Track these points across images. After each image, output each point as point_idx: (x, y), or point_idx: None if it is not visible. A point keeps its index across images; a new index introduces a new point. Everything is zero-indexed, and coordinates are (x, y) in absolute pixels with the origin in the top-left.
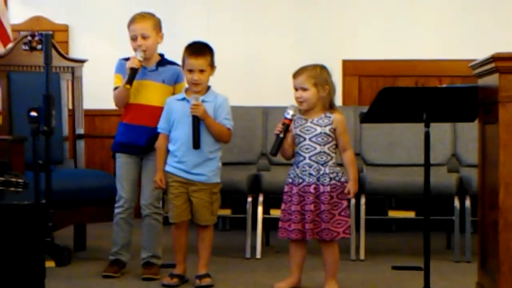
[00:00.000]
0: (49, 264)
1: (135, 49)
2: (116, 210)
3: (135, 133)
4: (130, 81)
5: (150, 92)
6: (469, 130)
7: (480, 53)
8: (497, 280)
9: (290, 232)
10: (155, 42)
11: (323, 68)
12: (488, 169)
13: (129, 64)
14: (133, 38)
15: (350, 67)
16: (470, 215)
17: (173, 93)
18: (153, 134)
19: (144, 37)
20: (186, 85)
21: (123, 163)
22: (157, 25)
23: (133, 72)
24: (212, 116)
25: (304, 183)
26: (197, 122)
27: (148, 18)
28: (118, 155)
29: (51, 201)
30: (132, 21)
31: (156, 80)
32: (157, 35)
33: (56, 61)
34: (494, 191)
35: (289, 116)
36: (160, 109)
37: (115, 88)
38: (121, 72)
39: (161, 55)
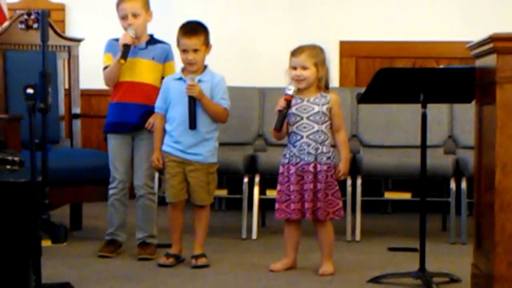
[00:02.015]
0: (46, 243)
1: (125, 28)
2: (110, 192)
3: (126, 111)
4: (124, 56)
5: (140, 70)
6: (466, 112)
7: (477, 35)
8: (492, 261)
9: (289, 213)
10: (145, 20)
11: (321, 48)
12: (484, 150)
13: (121, 40)
14: (123, 17)
15: (347, 48)
16: (466, 197)
17: (163, 71)
18: (144, 111)
19: (134, 16)
20: (182, 65)
21: (115, 144)
22: (146, 4)
23: (127, 48)
24: (208, 96)
25: (303, 162)
26: (193, 102)
27: None
28: (110, 136)
29: (47, 179)
30: (122, 0)
31: (146, 58)
32: (147, 14)
33: (53, 39)
34: (491, 172)
35: (290, 92)
36: (150, 86)
37: (105, 67)
38: (111, 51)
39: (151, 35)
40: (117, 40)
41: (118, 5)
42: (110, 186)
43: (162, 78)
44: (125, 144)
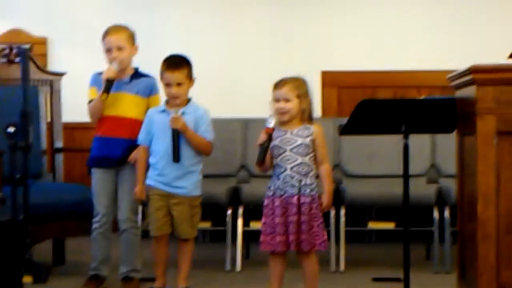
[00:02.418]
0: (27, 279)
1: (110, 62)
2: (94, 225)
3: (110, 146)
4: (106, 91)
5: (124, 104)
6: (448, 141)
7: (457, 64)
8: None
9: (274, 245)
10: (130, 54)
11: (304, 80)
12: (466, 180)
13: (105, 75)
14: (108, 50)
15: (329, 78)
16: (449, 226)
17: (148, 105)
18: (128, 146)
19: (119, 49)
20: (166, 97)
21: (99, 178)
22: (132, 37)
23: (110, 83)
24: (192, 129)
25: (287, 195)
26: (176, 135)
27: (122, 30)
28: (93, 170)
29: (28, 217)
30: (107, 33)
31: (130, 92)
32: (132, 47)
33: (35, 74)
34: (473, 202)
35: (271, 125)
36: (135, 120)
37: (90, 101)
38: (96, 85)
39: (136, 69)
40: (101, 73)
41: (103, 38)
42: (93, 220)
43: None
44: (108, 178)
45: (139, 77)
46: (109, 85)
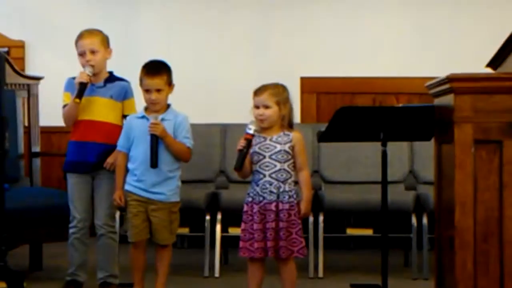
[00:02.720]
0: (2, 285)
1: (83, 65)
2: (71, 231)
3: (85, 150)
4: (79, 95)
5: (99, 108)
6: (426, 148)
7: (436, 71)
8: None
9: (252, 251)
10: (103, 57)
11: (284, 87)
12: (444, 188)
13: (77, 79)
14: (82, 54)
15: (308, 84)
16: (427, 233)
17: (122, 109)
18: (103, 150)
19: (92, 52)
20: (144, 103)
21: (74, 183)
22: (105, 41)
23: (83, 87)
24: (171, 135)
25: (265, 201)
26: (155, 141)
27: (96, 33)
28: (69, 175)
29: (5, 223)
30: (80, 37)
31: (104, 96)
32: (106, 51)
33: (12, 78)
34: (450, 210)
35: (251, 131)
36: (109, 125)
37: (64, 106)
38: (70, 90)
39: (110, 73)
40: (75, 78)
41: (76, 41)
42: (70, 225)
43: (124, 116)
44: (84, 183)
45: (114, 80)
46: (82, 89)
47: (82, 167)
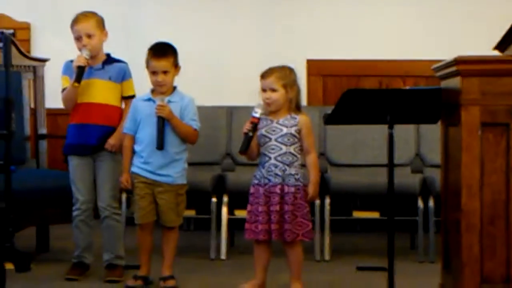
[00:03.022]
0: (9, 266)
1: (80, 49)
2: (74, 213)
3: (86, 133)
4: (78, 79)
5: (98, 90)
6: (433, 131)
7: (443, 54)
8: (459, 282)
9: (257, 233)
10: (100, 40)
11: (291, 69)
12: (450, 171)
13: (75, 63)
14: (78, 38)
15: (315, 67)
16: (433, 216)
17: (122, 90)
18: (104, 132)
19: (88, 36)
20: (151, 86)
21: (76, 165)
22: (101, 23)
23: (81, 70)
24: (178, 117)
25: (270, 184)
26: (162, 123)
27: (90, 16)
28: (70, 157)
29: (11, 205)
30: (75, 21)
31: (103, 78)
32: (102, 33)
33: (18, 60)
34: (457, 193)
35: (257, 115)
36: (109, 106)
37: (63, 90)
38: (68, 73)
39: (107, 54)
40: (73, 61)
41: (72, 26)
42: (73, 207)
43: (123, 97)
44: (86, 165)
45: (112, 62)
46: (80, 73)
47: (83, 149)
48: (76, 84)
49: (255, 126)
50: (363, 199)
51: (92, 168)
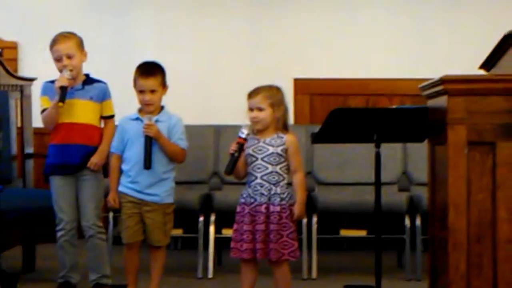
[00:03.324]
0: None
1: (60, 70)
2: (59, 233)
3: (68, 153)
4: (62, 99)
5: (79, 110)
6: (420, 149)
7: (429, 73)
8: None
9: (242, 252)
10: (80, 60)
11: (278, 88)
12: (437, 190)
13: (58, 83)
14: (58, 59)
15: (302, 86)
16: (420, 234)
17: (102, 110)
18: (86, 152)
19: (69, 57)
20: (138, 105)
21: (59, 185)
22: (80, 44)
23: (64, 90)
24: (166, 136)
25: (256, 203)
26: (149, 142)
27: (70, 37)
28: (52, 177)
29: None
30: (55, 42)
31: (83, 98)
32: (81, 54)
33: (5, 79)
34: (444, 211)
35: (243, 135)
36: (90, 126)
37: (43, 111)
38: (47, 94)
39: (87, 75)
40: (52, 82)
41: (51, 47)
42: (57, 227)
43: (102, 117)
44: (69, 184)
45: (92, 82)
46: (63, 93)
47: (66, 169)
48: (61, 104)
49: (241, 147)
50: (351, 217)
51: (75, 188)
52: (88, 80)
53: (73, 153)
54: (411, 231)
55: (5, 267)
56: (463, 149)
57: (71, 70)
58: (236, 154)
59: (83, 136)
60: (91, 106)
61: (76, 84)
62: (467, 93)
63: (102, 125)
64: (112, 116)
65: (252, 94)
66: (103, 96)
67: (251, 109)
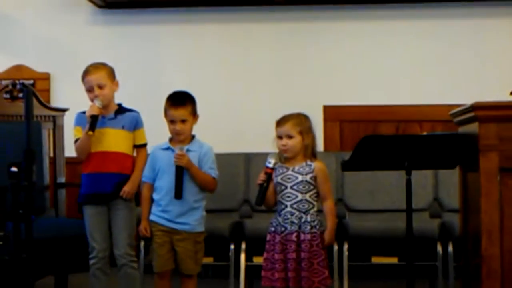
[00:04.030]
0: None
1: (92, 100)
2: (91, 261)
3: (101, 182)
4: (92, 128)
5: (111, 139)
6: (451, 175)
7: (460, 98)
8: None
9: (273, 281)
10: (111, 90)
11: (306, 116)
12: (470, 217)
13: (89, 112)
14: (89, 89)
15: (331, 113)
16: (453, 261)
17: (134, 139)
18: (119, 180)
19: (100, 87)
20: (169, 135)
21: (91, 214)
22: (111, 74)
23: (94, 119)
24: (197, 165)
25: (287, 231)
26: (180, 172)
27: (101, 68)
28: (85, 207)
29: (32, 255)
30: (86, 72)
31: (115, 127)
32: (112, 83)
33: (38, 110)
34: (477, 239)
35: (270, 165)
36: (122, 154)
37: (76, 141)
38: (80, 124)
39: (119, 104)
40: (85, 112)
41: (83, 78)
42: (90, 256)
43: (135, 146)
44: (101, 213)
45: (124, 112)
46: (94, 122)
47: (98, 198)
48: (90, 133)
49: (269, 177)
50: (382, 244)
51: (107, 217)
52: (121, 109)
53: (106, 182)
54: (443, 258)
55: None
56: (496, 176)
57: (101, 100)
58: (265, 185)
59: (116, 165)
60: (123, 134)
61: (108, 113)
62: (498, 120)
63: (135, 154)
64: (144, 145)
65: (281, 122)
66: (135, 125)
67: (280, 137)
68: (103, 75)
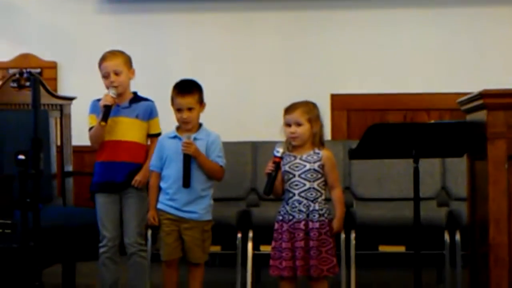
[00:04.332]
0: None
1: (107, 87)
2: (101, 250)
3: (113, 170)
4: (105, 118)
5: (125, 128)
6: (458, 164)
7: (467, 87)
8: None
9: (281, 270)
10: (127, 77)
11: (314, 104)
12: (477, 205)
13: (102, 102)
14: (105, 76)
15: (339, 102)
16: (460, 249)
17: (148, 128)
18: (131, 170)
19: (116, 74)
20: (176, 123)
21: (103, 203)
22: (128, 61)
23: (107, 109)
24: (204, 154)
25: (294, 220)
26: (188, 160)
27: (118, 54)
28: (97, 195)
29: (39, 243)
30: (103, 59)
31: (130, 116)
32: (129, 71)
33: (45, 99)
34: (484, 227)
35: (279, 154)
36: (136, 144)
37: (90, 129)
38: (95, 112)
39: (134, 93)
40: (100, 100)
41: (99, 64)
42: (100, 244)
43: (149, 135)
44: (113, 202)
45: (139, 101)
46: (107, 112)
47: (110, 187)
48: (103, 123)
49: (277, 166)
50: (389, 233)
51: (119, 205)
52: (135, 98)
53: (118, 171)
54: (450, 246)
55: (45, 285)
56: (504, 164)
57: (116, 87)
58: (273, 174)
59: (128, 154)
60: (137, 124)
61: (123, 102)
62: (506, 107)
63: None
64: (159, 134)
65: (289, 110)
66: (150, 114)
67: (288, 125)
68: (120, 62)
